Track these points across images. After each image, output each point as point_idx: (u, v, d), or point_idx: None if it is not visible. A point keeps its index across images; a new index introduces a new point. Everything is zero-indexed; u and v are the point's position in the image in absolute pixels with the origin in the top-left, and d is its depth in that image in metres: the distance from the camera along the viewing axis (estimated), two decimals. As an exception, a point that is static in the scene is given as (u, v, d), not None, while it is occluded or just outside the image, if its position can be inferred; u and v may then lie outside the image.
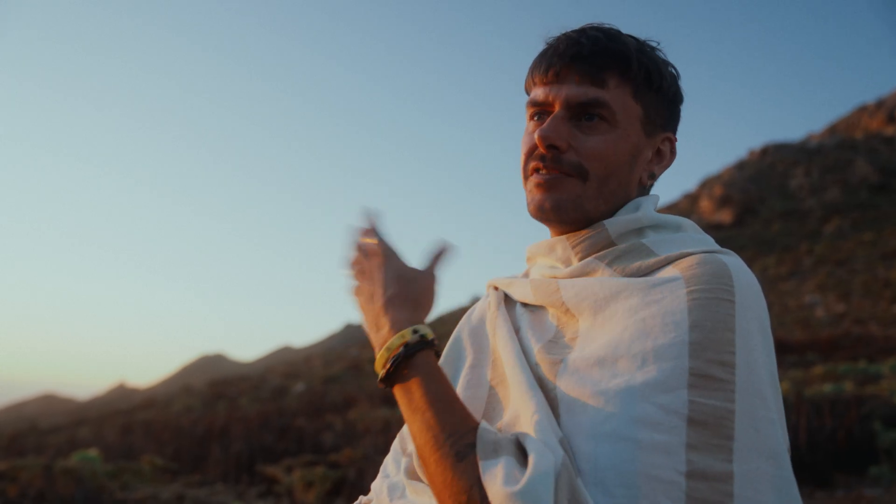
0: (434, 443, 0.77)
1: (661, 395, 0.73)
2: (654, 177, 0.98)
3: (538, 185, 0.93)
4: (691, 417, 0.72)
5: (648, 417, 0.72)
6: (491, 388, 0.93)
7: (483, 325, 1.03)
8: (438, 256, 0.95)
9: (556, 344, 0.88)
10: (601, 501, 0.70)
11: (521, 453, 0.73)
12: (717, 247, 0.89)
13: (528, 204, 0.94)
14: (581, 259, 0.92)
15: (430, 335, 0.85)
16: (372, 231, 0.96)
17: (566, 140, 0.90)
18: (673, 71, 0.96)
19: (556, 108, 0.92)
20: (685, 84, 0.99)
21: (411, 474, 0.92)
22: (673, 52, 0.97)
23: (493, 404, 0.91)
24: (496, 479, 0.70)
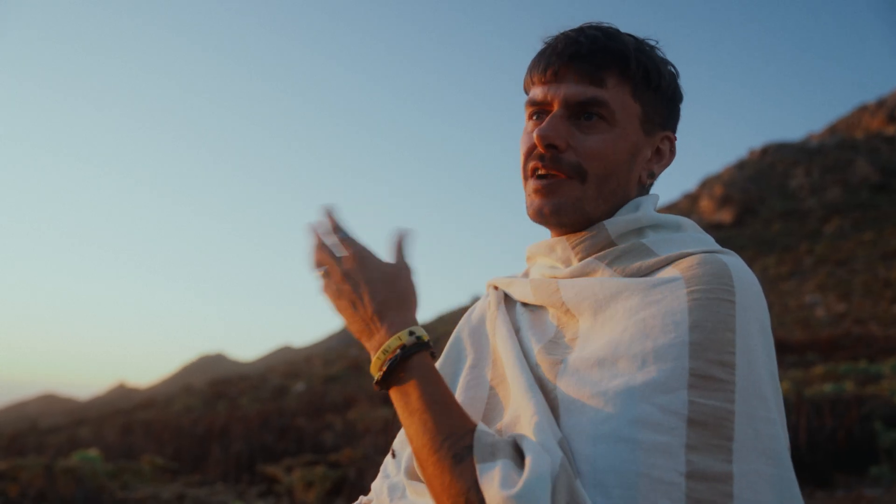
0: (431, 445, 0.76)
1: (661, 396, 0.73)
2: (653, 176, 0.98)
3: (537, 191, 0.92)
4: (691, 418, 0.72)
5: (648, 418, 0.72)
6: (491, 388, 0.92)
7: (483, 325, 1.03)
8: (401, 245, 0.92)
9: (557, 344, 0.87)
10: (600, 503, 0.70)
11: (519, 456, 0.73)
12: (717, 246, 0.88)
13: (528, 208, 0.94)
14: (581, 259, 0.92)
15: (426, 336, 0.84)
16: (336, 229, 0.91)
17: (565, 139, 0.90)
18: (672, 70, 0.96)
19: (555, 107, 0.92)
20: (685, 83, 0.99)
21: (411, 474, 0.91)
22: (672, 51, 0.97)
23: (493, 405, 0.90)
24: (493, 481, 0.69)
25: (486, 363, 0.96)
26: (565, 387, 0.80)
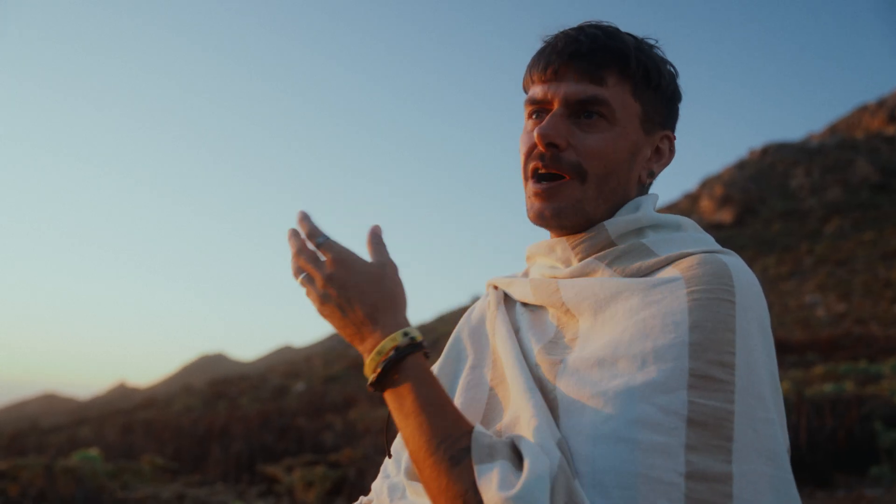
0: (428, 447, 0.76)
1: (660, 396, 0.73)
2: (653, 175, 0.98)
3: (537, 195, 0.92)
4: (691, 418, 0.71)
5: (648, 418, 0.72)
6: (491, 388, 0.92)
7: (483, 325, 1.03)
8: (377, 242, 0.89)
9: (556, 344, 0.87)
10: (599, 503, 0.70)
11: (517, 457, 0.73)
12: (717, 246, 0.88)
13: (528, 210, 0.94)
14: (581, 259, 0.92)
15: (419, 337, 0.83)
16: (312, 234, 0.88)
17: (565, 138, 0.90)
18: (671, 69, 0.96)
19: (555, 106, 0.91)
20: (685, 83, 0.99)
21: (411, 475, 0.91)
22: (673, 51, 0.97)
23: (493, 405, 0.90)
24: (491, 483, 0.69)
25: (486, 364, 0.96)
26: (565, 387, 0.80)
